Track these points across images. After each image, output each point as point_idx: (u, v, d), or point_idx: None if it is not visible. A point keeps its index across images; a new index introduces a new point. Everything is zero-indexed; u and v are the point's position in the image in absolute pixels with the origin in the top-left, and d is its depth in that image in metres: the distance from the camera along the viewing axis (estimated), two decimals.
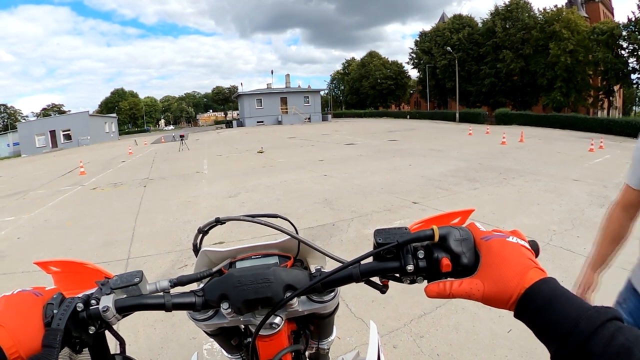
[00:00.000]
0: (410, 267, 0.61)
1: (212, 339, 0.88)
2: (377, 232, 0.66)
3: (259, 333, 0.72)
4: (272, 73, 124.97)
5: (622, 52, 39.44)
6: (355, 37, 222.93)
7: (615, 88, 44.33)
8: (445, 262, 0.59)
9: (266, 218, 0.83)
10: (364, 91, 70.90)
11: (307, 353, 0.97)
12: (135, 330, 3.37)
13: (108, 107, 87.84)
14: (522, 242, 0.58)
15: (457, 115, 41.49)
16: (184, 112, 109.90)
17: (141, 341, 3.24)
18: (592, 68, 42.29)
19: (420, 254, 0.62)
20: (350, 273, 0.66)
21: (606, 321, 0.43)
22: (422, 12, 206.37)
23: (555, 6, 44.60)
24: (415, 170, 10.85)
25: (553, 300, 0.48)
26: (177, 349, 3.13)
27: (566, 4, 48.44)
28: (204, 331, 0.81)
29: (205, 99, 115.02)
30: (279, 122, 53.42)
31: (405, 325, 3.29)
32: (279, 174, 11.37)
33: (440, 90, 56.64)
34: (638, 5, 37.39)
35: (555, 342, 0.46)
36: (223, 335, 0.86)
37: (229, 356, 0.99)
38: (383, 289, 0.70)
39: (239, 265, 0.81)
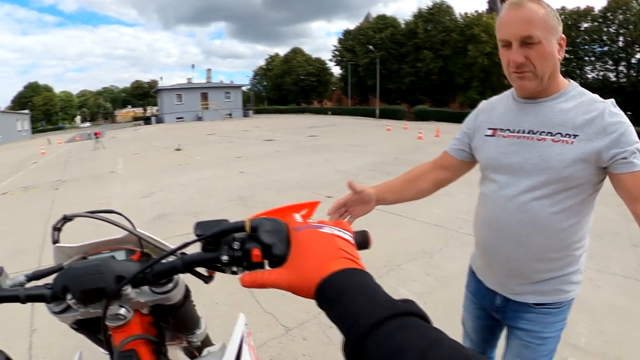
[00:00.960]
0: (225, 258, 0.62)
1: None
2: (198, 225, 0.67)
3: (109, 324, 0.75)
4: (193, 67, 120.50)
5: None
6: (280, 33, 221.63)
7: None
8: (255, 252, 0.59)
9: (103, 214, 0.87)
10: (287, 87, 70.23)
11: (179, 346, 1.00)
12: (49, 341, 3.29)
13: (21, 102, 79.86)
14: (339, 233, 0.57)
15: (378, 111, 42.44)
16: (101, 107, 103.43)
17: (55, 352, 3.16)
18: None
19: (236, 245, 0.62)
20: (175, 264, 0.69)
21: (390, 317, 0.40)
22: (348, 11, 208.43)
23: (477, 11, 47.40)
24: (332, 165, 11.20)
25: (344, 292, 0.46)
26: (90, 357, 3.15)
27: (487, 9, 51.36)
28: (69, 325, 0.82)
29: (124, 94, 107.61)
30: (200, 118, 52.32)
31: (314, 317, 3.36)
32: (195, 171, 11.34)
33: (362, 87, 57.71)
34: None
35: (343, 335, 0.44)
36: (88, 330, 0.86)
37: (104, 351, 0.94)
38: (207, 279, 0.74)
39: (88, 259, 0.84)
